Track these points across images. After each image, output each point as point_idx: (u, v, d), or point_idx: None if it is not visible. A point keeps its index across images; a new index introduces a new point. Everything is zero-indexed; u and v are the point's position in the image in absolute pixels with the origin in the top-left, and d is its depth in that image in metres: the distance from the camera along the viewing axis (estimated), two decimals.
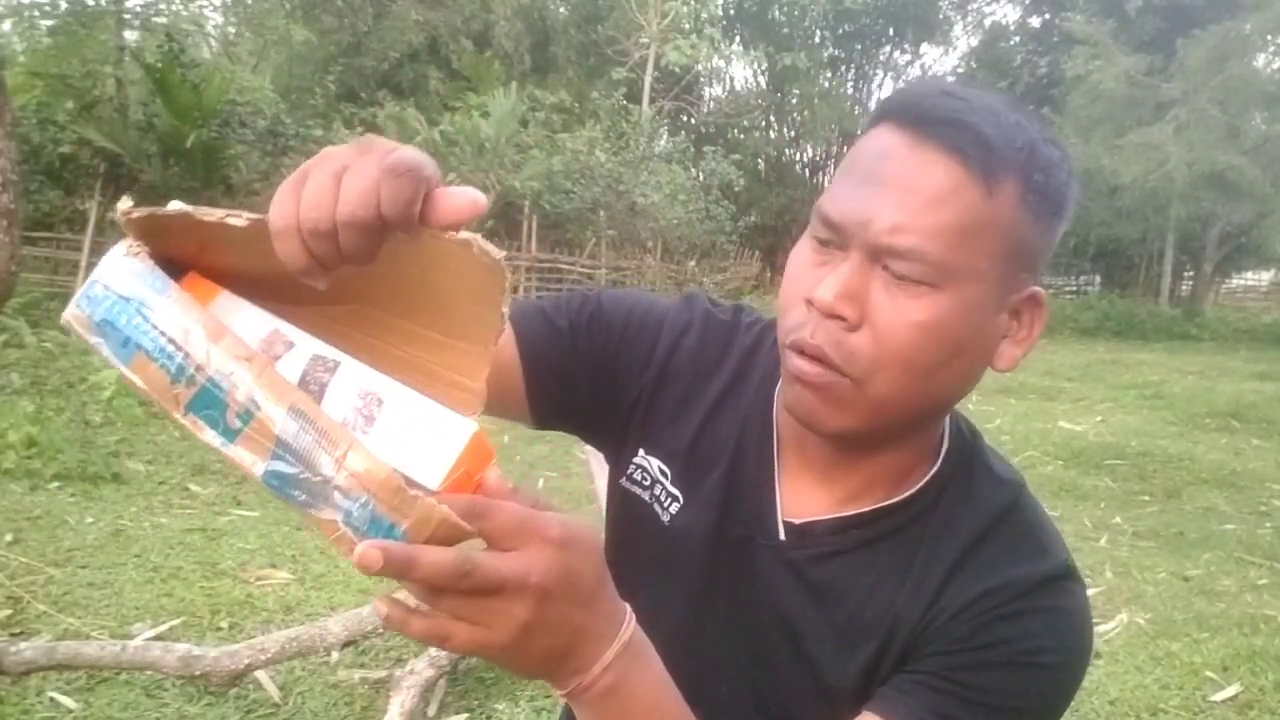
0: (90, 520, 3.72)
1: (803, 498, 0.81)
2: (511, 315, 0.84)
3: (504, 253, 0.53)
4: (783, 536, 0.81)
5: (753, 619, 0.82)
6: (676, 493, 0.85)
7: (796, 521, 0.80)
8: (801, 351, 0.70)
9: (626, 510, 0.88)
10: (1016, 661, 0.72)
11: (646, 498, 0.86)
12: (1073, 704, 2.56)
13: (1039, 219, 0.69)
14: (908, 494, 0.79)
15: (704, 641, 0.83)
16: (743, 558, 0.82)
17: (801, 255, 0.73)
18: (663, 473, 0.86)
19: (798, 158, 24.99)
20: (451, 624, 0.54)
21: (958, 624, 0.74)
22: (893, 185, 0.67)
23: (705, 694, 0.83)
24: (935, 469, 0.79)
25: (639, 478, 0.87)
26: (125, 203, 0.50)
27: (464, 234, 0.52)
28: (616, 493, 0.90)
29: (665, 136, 17.66)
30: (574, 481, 5.12)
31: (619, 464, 0.89)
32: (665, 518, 0.85)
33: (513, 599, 0.53)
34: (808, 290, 0.70)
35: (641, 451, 0.87)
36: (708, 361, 0.86)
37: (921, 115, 0.68)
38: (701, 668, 0.82)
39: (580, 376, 0.85)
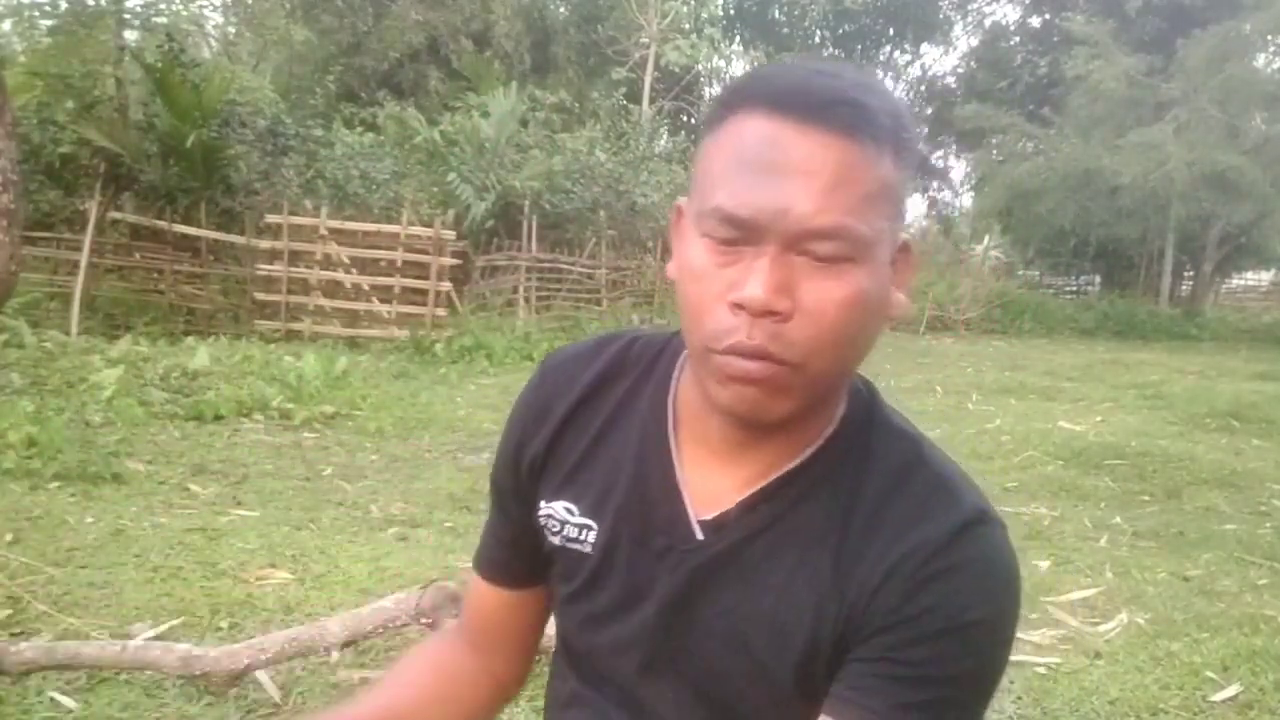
0: (90, 520, 3.72)
1: (712, 490, 0.81)
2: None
3: None
4: (700, 536, 0.81)
5: (686, 624, 0.82)
6: (588, 521, 0.85)
7: (710, 516, 0.81)
8: (738, 354, 0.70)
9: (553, 570, 0.91)
10: (951, 627, 0.72)
11: (559, 542, 0.87)
12: (1073, 704, 2.53)
13: (906, 173, 0.73)
14: (806, 455, 0.79)
15: (641, 653, 0.84)
16: (665, 566, 0.82)
17: (702, 258, 0.72)
18: (569, 511, 0.86)
19: None
20: None
21: (886, 594, 0.74)
22: (798, 172, 0.68)
23: (652, 702, 0.85)
24: (833, 428, 0.80)
25: (551, 527, 0.88)
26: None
27: None
28: None
29: (665, 136, 17.67)
30: None
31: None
32: (587, 549, 0.86)
33: None
34: (725, 292, 0.70)
35: (543, 504, 0.88)
36: (590, 393, 0.88)
37: (803, 100, 0.69)
38: (644, 677, 0.84)
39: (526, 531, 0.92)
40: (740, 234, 0.70)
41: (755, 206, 0.68)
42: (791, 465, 0.79)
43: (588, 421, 0.86)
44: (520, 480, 0.90)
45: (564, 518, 0.86)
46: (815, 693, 0.76)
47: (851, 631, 0.76)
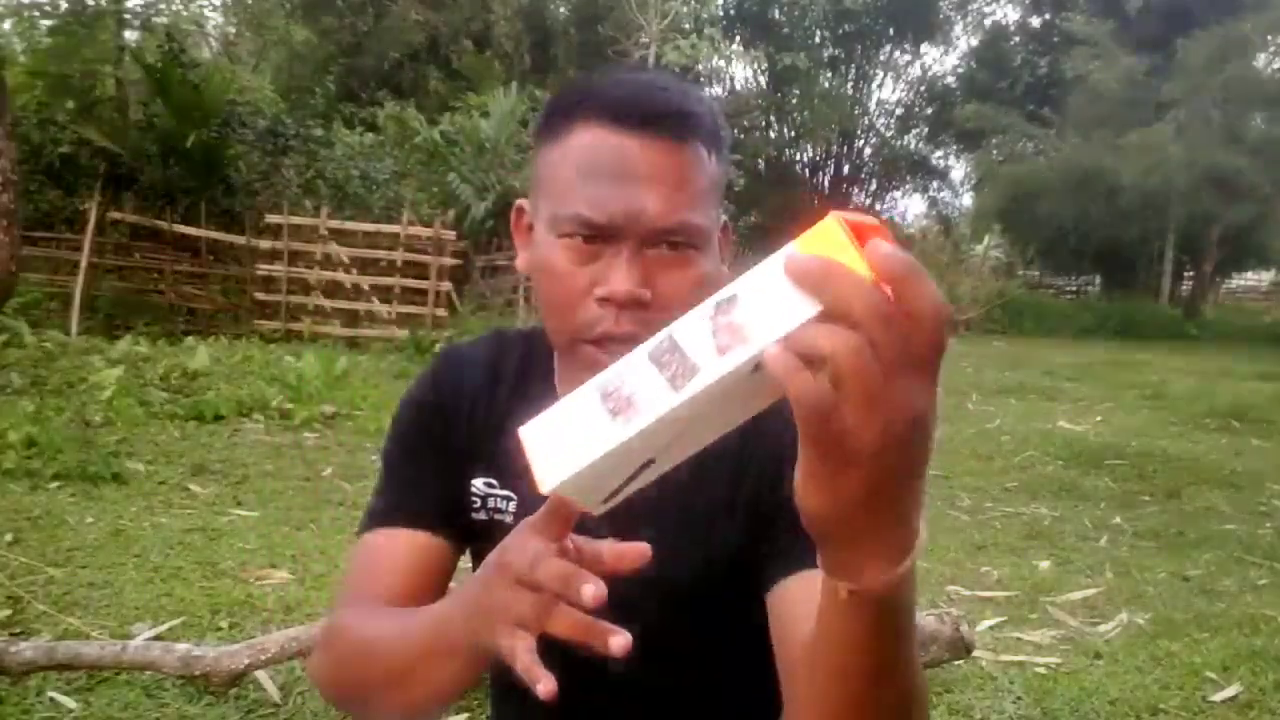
0: (90, 520, 3.72)
1: None
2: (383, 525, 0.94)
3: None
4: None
5: (611, 581, 0.87)
6: (508, 493, 0.92)
7: None
8: (610, 340, 0.78)
9: (480, 543, 0.94)
10: None
11: (484, 516, 0.93)
12: (1073, 704, 2.53)
13: (725, 164, 0.86)
14: None
15: None
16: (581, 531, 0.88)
17: (559, 258, 0.81)
18: (489, 486, 0.93)
19: (798, 158, 24.98)
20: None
21: (769, 462, 0.83)
22: (646, 179, 0.78)
23: (581, 663, 0.90)
24: None
25: (474, 505, 0.94)
26: None
27: None
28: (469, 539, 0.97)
29: None
30: None
31: (465, 514, 0.95)
32: (509, 519, 0.91)
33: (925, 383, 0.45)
34: (589, 288, 0.79)
35: (468, 482, 0.94)
36: (486, 384, 0.95)
37: (640, 112, 0.79)
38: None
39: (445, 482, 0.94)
40: (599, 234, 0.79)
41: (612, 211, 0.78)
42: None
43: (493, 408, 0.94)
44: (443, 457, 0.94)
45: (485, 492, 0.93)
46: (720, 607, 0.87)
47: (765, 498, 0.84)
